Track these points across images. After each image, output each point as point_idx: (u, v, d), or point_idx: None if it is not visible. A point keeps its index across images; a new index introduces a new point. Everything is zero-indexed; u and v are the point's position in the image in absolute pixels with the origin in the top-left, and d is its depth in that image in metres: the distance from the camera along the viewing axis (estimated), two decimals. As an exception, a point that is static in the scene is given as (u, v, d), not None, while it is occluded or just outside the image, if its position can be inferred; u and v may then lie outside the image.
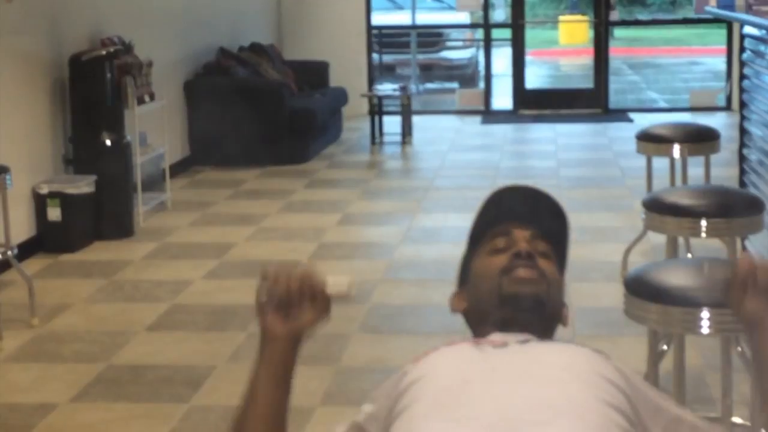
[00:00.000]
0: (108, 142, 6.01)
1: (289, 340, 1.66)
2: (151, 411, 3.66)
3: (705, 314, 2.50)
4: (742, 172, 5.46)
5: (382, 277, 5.22)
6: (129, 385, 3.90)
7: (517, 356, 1.66)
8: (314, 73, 9.74)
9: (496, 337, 1.73)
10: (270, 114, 8.26)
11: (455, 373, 1.64)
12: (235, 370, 3.96)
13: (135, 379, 3.95)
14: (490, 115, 10.79)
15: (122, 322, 4.62)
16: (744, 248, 5.08)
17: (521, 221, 1.82)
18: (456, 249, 5.64)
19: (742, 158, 5.49)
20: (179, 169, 7.83)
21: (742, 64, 5.51)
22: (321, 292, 1.67)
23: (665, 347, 3.13)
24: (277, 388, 1.66)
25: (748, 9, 5.55)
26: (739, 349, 3.07)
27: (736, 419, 3.12)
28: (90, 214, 5.86)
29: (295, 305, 1.66)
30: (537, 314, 1.75)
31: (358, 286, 5.07)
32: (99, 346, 4.30)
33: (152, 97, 6.69)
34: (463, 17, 12.80)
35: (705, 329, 2.52)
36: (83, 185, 5.81)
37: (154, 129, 6.93)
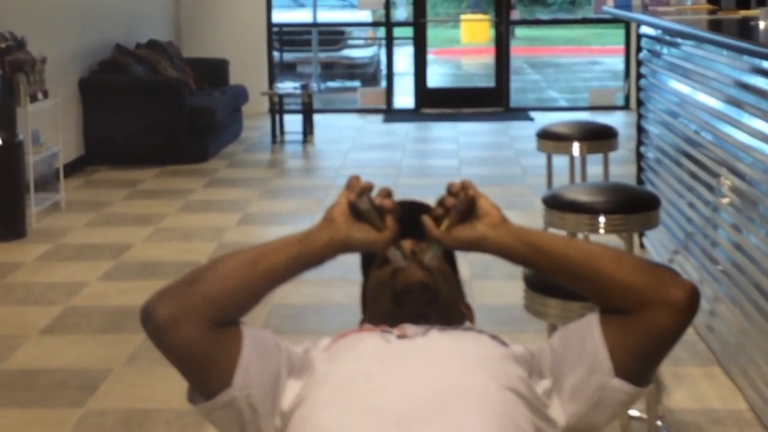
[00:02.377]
0: (-1, 141, 5.83)
1: (339, 240, 1.66)
2: (44, 416, 3.55)
3: (604, 309, 2.53)
4: (640, 169, 5.55)
5: (283, 276, 5.15)
6: (21, 391, 3.78)
7: (419, 346, 1.68)
8: (214, 71, 9.63)
9: (401, 328, 1.75)
10: (168, 112, 8.13)
11: (358, 363, 1.65)
12: (131, 373, 3.86)
13: (28, 384, 3.83)
14: (392, 114, 10.80)
15: (14, 326, 4.48)
16: (642, 245, 5.16)
17: (406, 234, 1.83)
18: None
19: (639, 156, 5.58)
20: (74, 168, 7.66)
21: (639, 63, 5.59)
22: (396, 234, 1.67)
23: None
24: (288, 263, 1.64)
25: (645, 9, 5.64)
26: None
27: (633, 412, 3.16)
28: (-20, 215, 5.68)
29: (365, 222, 1.66)
30: (430, 303, 1.79)
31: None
32: (-11, 351, 4.16)
33: (46, 94, 6.52)
34: (365, 15, 12.79)
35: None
36: (-27, 185, 5.63)
37: (48, 127, 6.76)
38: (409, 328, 1.74)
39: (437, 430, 1.49)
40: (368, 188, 1.68)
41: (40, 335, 4.36)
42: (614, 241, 4.84)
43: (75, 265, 5.40)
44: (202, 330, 1.58)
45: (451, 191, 1.70)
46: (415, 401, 1.54)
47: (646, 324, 1.61)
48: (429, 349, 1.67)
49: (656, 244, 5.01)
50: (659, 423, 2.79)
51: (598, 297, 1.65)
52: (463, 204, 1.68)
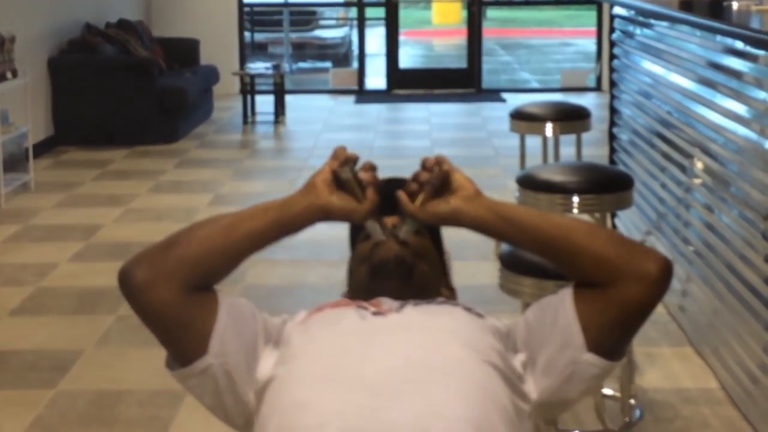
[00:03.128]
0: (-33, 120, 5.76)
1: (317, 206, 1.66)
2: (15, 398, 3.52)
3: (578, 288, 2.53)
4: (612, 150, 5.56)
5: (255, 257, 5.09)
6: (-9, 372, 3.74)
7: (396, 320, 1.68)
8: (184, 51, 9.56)
9: (377, 302, 1.75)
10: (138, 92, 8.07)
11: (335, 337, 1.65)
12: (103, 354, 3.83)
13: (-3, 366, 3.80)
14: (363, 95, 10.77)
15: (-17, 307, 4.44)
16: (614, 225, 5.17)
17: (389, 210, 1.82)
18: (330, 229, 5.59)
19: (612, 137, 5.59)
20: (43, 149, 7.58)
21: (612, 44, 5.59)
22: (375, 205, 1.67)
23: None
24: (265, 229, 1.65)
25: (617, -11, 5.63)
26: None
27: (606, 391, 3.17)
28: (-52, 195, 5.61)
29: (346, 192, 1.66)
30: (405, 278, 1.79)
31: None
32: (-42, 333, 4.12)
33: (14, 73, 6.44)
34: (337, -4, 12.73)
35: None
36: (-60, 165, 5.56)
37: (17, 107, 6.68)
38: (385, 303, 1.74)
39: (413, 402, 1.49)
40: (352, 159, 1.68)
41: (10, 316, 4.32)
42: (587, 220, 4.86)
43: (45, 246, 5.35)
44: (177, 293, 1.58)
45: (425, 166, 1.70)
46: (390, 374, 1.54)
47: (618, 297, 1.60)
48: (404, 325, 1.67)
49: (629, 225, 5.03)
50: (632, 402, 2.80)
51: (572, 269, 1.65)
52: (437, 179, 1.67)
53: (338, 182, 1.67)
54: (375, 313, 1.70)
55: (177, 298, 1.58)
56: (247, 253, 1.66)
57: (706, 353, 3.67)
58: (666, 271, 1.62)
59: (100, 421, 3.32)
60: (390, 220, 1.84)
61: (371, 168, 1.69)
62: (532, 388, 1.66)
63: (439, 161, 1.69)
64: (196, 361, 1.61)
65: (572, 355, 1.62)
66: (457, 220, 1.67)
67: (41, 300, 4.51)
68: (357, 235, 1.94)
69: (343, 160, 1.67)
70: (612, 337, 1.63)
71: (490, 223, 1.67)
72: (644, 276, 1.59)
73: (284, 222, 1.66)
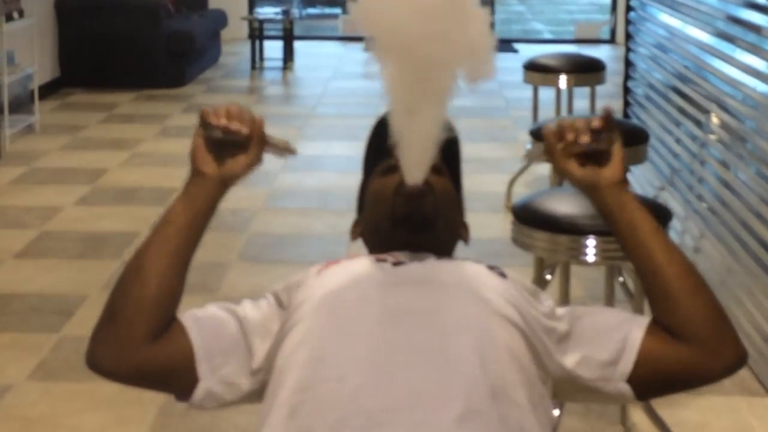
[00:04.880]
0: (-28, 60, 5.69)
1: (216, 181, 1.59)
2: (19, 341, 3.49)
3: (591, 242, 2.51)
4: (626, 104, 5.49)
5: (262, 205, 5.10)
6: (-5, 315, 3.71)
7: (415, 274, 1.62)
8: (193, -5, 9.45)
9: (396, 255, 1.68)
10: (146, 35, 7.98)
11: (353, 290, 1.59)
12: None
13: (2, 308, 3.76)
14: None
15: (-13, 249, 4.40)
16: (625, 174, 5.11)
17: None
18: (338, 177, 5.57)
19: (626, 91, 5.51)
20: (49, 90, 7.52)
21: (628, -5, 5.49)
22: (260, 134, 1.59)
23: (549, 276, 3.12)
24: (189, 227, 1.57)
25: (635, -61, 5.53)
26: (621, 279, 3.07)
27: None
28: (-47, 136, 5.57)
29: (229, 148, 1.58)
30: (429, 232, 1.72)
31: (240, 213, 4.90)
32: (-38, 274, 4.09)
33: (21, 13, 6.36)
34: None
35: (591, 257, 2.53)
36: (-55, 105, 5.51)
37: (23, 48, 6.61)
38: (404, 256, 1.68)
39: (433, 359, 1.45)
40: (205, 114, 1.58)
41: (15, 259, 4.28)
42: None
43: (50, 189, 5.31)
44: (146, 351, 1.52)
45: (594, 127, 1.57)
46: (412, 330, 1.49)
47: (685, 359, 1.55)
48: (425, 278, 1.61)
49: (641, 181, 4.97)
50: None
51: (657, 307, 1.58)
52: (603, 143, 1.56)
53: (215, 145, 1.58)
54: (395, 264, 1.65)
55: (147, 354, 1.52)
56: (186, 264, 1.58)
57: (717, 311, 3.62)
58: (741, 365, 1.58)
59: (104, 366, 3.29)
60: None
61: (228, 114, 1.58)
62: (560, 363, 1.60)
63: (610, 124, 1.58)
64: (195, 391, 1.57)
65: (610, 375, 1.58)
66: (590, 192, 1.60)
67: (46, 243, 4.48)
68: (372, 157, 1.84)
69: (204, 121, 1.58)
70: (656, 385, 1.60)
71: (615, 217, 1.59)
72: (719, 358, 1.55)
73: (199, 218, 1.58)
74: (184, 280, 1.57)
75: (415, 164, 1.67)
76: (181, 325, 1.57)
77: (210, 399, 1.58)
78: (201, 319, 1.60)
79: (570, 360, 1.59)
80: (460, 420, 1.38)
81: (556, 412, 2.62)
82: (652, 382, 1.58)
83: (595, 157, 1.59)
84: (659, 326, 1.58)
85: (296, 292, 1.64)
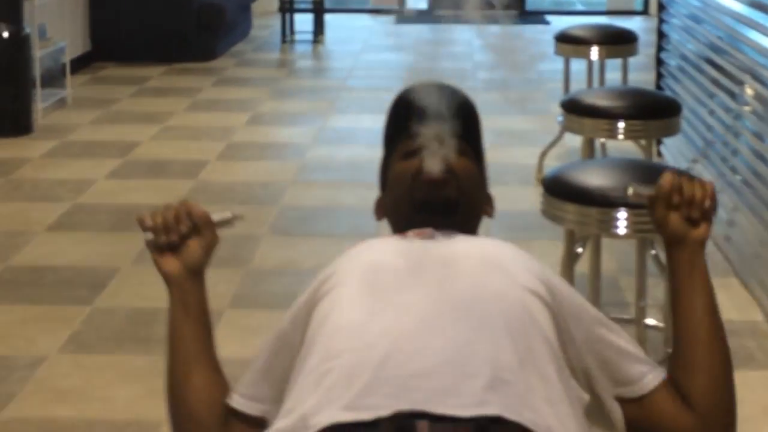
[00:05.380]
0: (5, 34, 5.70)
1: (189, 275, 1.64)
2: (51, 313, 3.52)
3: (622, 214, 2.49)
4: (659, 76, 5.43)
5: (293, 178, 5.10)
6: (28, 287, 3.74)
7: (443, 247, 1.62)
8: (223, -32, 9.43)
9: (421, 232, 1.68)
10: (177, 8, 7.97)
11: (382, 259, 1.60)
12: (139, 272, 3.82)
13: (35, 281, 3.79)
14: (404, 15, 10.61)
15: (21, 222, 4.43)
16: (659, 152, 5.07)
17: (430, 120, 1.75)
18: (369, 151, 5.54)
19: (659, 62, 5.45)
20: (80, 64, 7.54)
21: (661, -35, 5.42)
22: (203, 219, 1.65)
23: (580, 250, 3.11)
24: (196, 329, 1.65)
25: None
26: (653, 252, 3.05)
27: (649, 321, 3.11)
28: (-15, 110, 5.59)
29: (181, 240, 1.64)
30: (451, 216, 1.72)
31: (272, 186, 4.90)
32: (-4, 247, 4.12)
33: (52, -13, 6.38)
34: None
35: (622, 230, 2.52)
36: (-22, 79, 5.53)
37: (54, 22, 6.64)
38: (431, 233, 1.68)
39: (461, 329, 1.45)
40: (142, 221, 1.66)
41: (47, 232, 4.31)
42: (632, 147, 4.77)
43: (82, 162, 5.33)
44: None
45: (696, 198, 1.63)
46: (440, 300, 1.50)
47: (683, 424, 1.58)
48: (453, 251, 1.61)
49: (674, 152, 4.92)
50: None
51: (678, 367, 1.60)
52: (705, 211, 1.63)
53: (163, 247, 1.64)
54: (422, 240, 1.65)
55: None
56: (213, 347, 1.66)
57: (751, 285, 3.60)
58: None
59: (136, 338, 3.31)
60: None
61: (143, 220, 1.66)
62: (580, 352, 1.60)
63: (713, 199, 1.64)
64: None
65: (610, 392, 1.59)
66: (674, 244, 1.64)
67: (78, 216, 4.50)
68: (391, 134, 1.83)
69: (142, 227, 1.65)
70: (642, 427, 1.60)
71: (682, 274, 1.63)
72: (713, 430, 1.58)
73: (194, 308, 1.65)
74: (220, 371, 1.65)
75: (435, 155, 1.69)
76: (254, 417, 1.61)
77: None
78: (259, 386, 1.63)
79: (590, 359, 1.59)
80: (487, 388, 1.38)
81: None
82: (640, 423, 1.59)
83: (691, 220, 1.64)
84: (674, 387, 1.60)
85: (325, 273, 1.63)
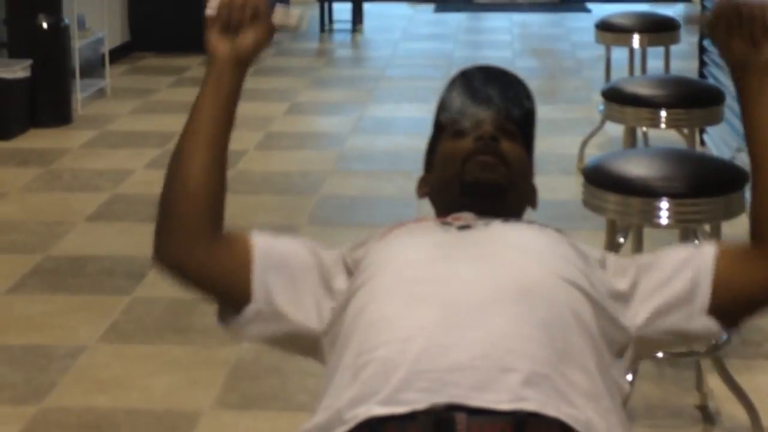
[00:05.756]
0: (45, 25, 5.73)
1: (233, 62, 1.62)
2: (91, 303, 3.53)
3: (664, 204, 2.45)
4: (702, 64, 5.35)
5: (332, 168, 5.08)
6: (68, 277, 3.75)
7: (481, 236, 1.59)
8: (262, -43, 9.42)
9: (461, 217, 1.65)
10: (216, -2, 7.97)
11: (418, 251, 1.57)
12: (178, 262, 3.81)
13: (74, 271, 3.80)
14: (443, 4, 10.56)
15: (60, 212, 4.45)
16: (702, 141, 5.00)
17: (486, 102, 1.74)
18: (408, 140, 5.51)
19: (702, 50, 5.37)
20: (119, 54, 7.57)
21: (704, -50, 5.34)
22: (264, 13, 1.63)
23: (622, 240, 3.07)
24: (219, 114, 1.61)
25: None
26: (696, 242, 3.00)
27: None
28: (26, 101, 5.62)
29: (239, 24, 1.62)
30: (499, 201, 1.69)
31: (310, 176, 4.86)
32: (36, 237, 4.13)
33: (91, -22, 6.40)
34: None
35: (664, 220, 2.48)
36: (18, 69, 5.56)
37: (94, 12, 6.66)
38: (470, 218, 1.65)
39: (498, 322, 1.42)
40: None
41: (87, 222, 4.33)
42: (674, 136, 4.71)
43: (121, 153, 5.35)
44: (207, 246, 1.56)
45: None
46: (476, 293, 1.47)
47: (761, 272, 1.53)
48: (490, 240, 1.58)
49: (718, 142, 4.85)
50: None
51: (757, 202, 1.56)
52: (762, 24, 1.57)
53: (223, 25, 1.62)
54: (460, 228, 1.62)
55: (209, 251, 1.56)
56: (227, 145, 1.61)
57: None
58: None
59: (175, 329, 3.31)
60: (485, 114, 1.72)
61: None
62: (634, 322, 1.56)
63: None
64: (244, 310, 1.58)
65: (689, 312, 1.55)
66: (739, 70, 1.60)
67: (117, 206, 4.52)
68: (445, 114, 1.80)
69: (207, 8, 1.63)
70: (737, 308, 1.55)
71: (753, 100, 1.58)
72: None
73: (223, 95, 1.62)
74: (225, 168, 1.60)
75: (487, 136, 1.68)
76: (248, 246, 1.58)
77: (258, 324, 1.58)
78: (274, 247, 1.60)
79: (642, 315, 1.56)
80: (525, 383, 1.35)
81: (629, 377, 2.58)
82: (733, 306, 1.54)
83: (753, 41, 1.58)
84: (729, 250, 1.55)
85: (360, 256, 1.62)
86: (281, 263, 1.59)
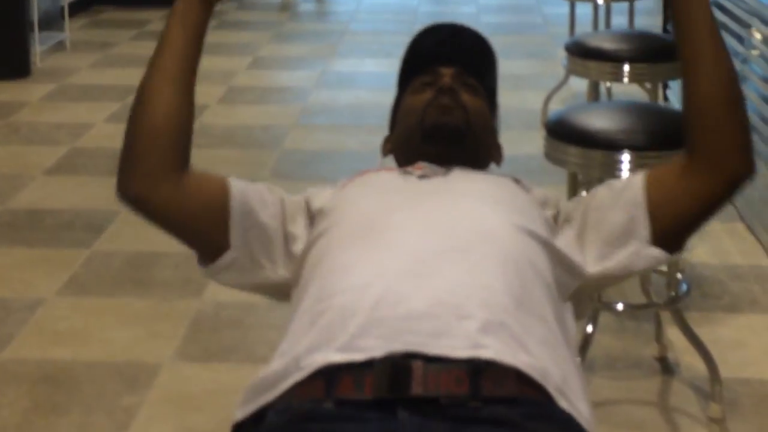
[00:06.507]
0: (2, -25, 5.63)
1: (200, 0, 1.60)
2: (50, 256, 3.49)
3: (626, 157, 2.45)
4: (666, 20, 5.35)
5: (295, 122, 5.05)
6: (26, 230, 3.71)
7: (440, 185, 1.60)
8: None
9: (422, 166, 1.66)
10: (177, -49, 7.86)
11: (378, 200, 1.58)
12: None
13: (33, 224, 3.76)
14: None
15: (18, 166, 4.39)
16: (665, 97, 5.01)
17: (447, 59, 1.75)
18: (372, 95, 5.48)
19: (666, 6, 5.36)
20: (79, 7, 7.45)
21: None
22: None
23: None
24: (187, 48, 1.59)
25: None
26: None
27: (654, 267, 3.08)
28: (-17, 53, 5.53)
29: None
30: (459, 146, 1.70)
31: (273, 130, 4.84)
32: (-7, 190, 4.09)
33: (50, -72, 6.29)
34: None
35: (625, 173, 2.48)
36: (-25, 21, 5.46)
37: (53, -38, 6.54)
38: (430, 168, 1.64)
39: (456, 270, 1.42)
40: None
41: (45, 175, 4.27)
42: (638, 91, 4.71)
43: (80, 106, 5.28)
44: (175, 183, 1.54)
45: None
46: (435, 240, 1.47)
47: (691, 187, 1.52)
48: (450, 189, 1.59)
49: (680, 97, 4.86)
50: (679, 276, 2.71)
51: (687, 108, 1.54)
52: None
53: None
54: (420, 177, 1.62)
55: (177, 187, 1.54)
56: (193, 82, 1.59)
57: (758, 230, 3.56)
58: (747, 177, 1.54)
59: (135, 281, 3.29)
60: (446, 70, 1.72)
61: None
62: (584, 264, 1.57)
63: None
64: (222, 256, 1.56)
65: (635, 246, 1.54)
66: None
67: (76, 160, 4.46)
68: (407, 73, 1.81)
69: None
70: (676, 228, 1.55)
71: (679, 8, 1.53)
72: (726, 169, 1.51)
73: (191, 22, 1.60)
74: (191, 104, 1.58)
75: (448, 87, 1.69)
76: (223, 189, 1.56)
77: (233, 271, 1.57)
78: (247, 191, 1.58)
79: (591, 257, 1.56)
80: (482, 330, 1.34)
81: (589, 329, 2.59)
82: (673, 227, 1.54)
83: None
84: (654, 175, 1.55)
85: (322, 204, 1.62)
86: (255, 210, 1.58)
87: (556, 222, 1.61)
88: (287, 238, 1.60)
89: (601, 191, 1.60)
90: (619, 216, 1.55)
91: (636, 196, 1.54)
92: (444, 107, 1.68)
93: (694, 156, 1.52)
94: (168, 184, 1.53)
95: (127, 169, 1.54)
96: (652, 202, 1.53)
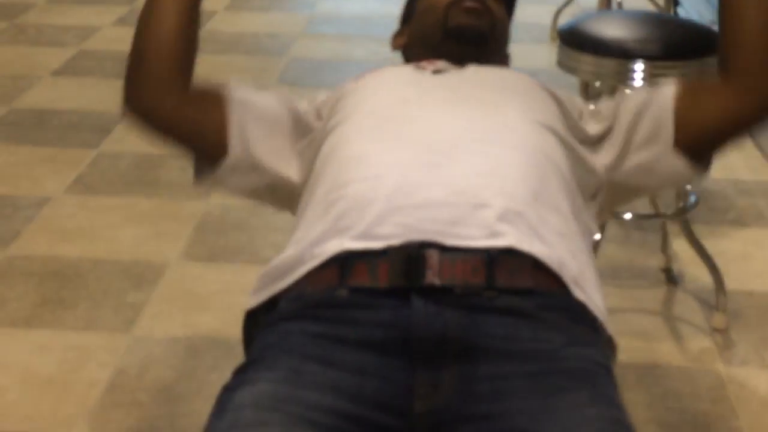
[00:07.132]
0: None
1: None
2: (57, 155, 3.48)
3: (639, 66, 2.43)
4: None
5: (302, 30, 5.00)
6: (34, 129, 3.70)
7: (455, 79, 1.59)
8: None
9: (436, 63, 1.65)
10: None
11: (393, 92, 1.56)
12: (145, 118, 3.77)
13: (40, 124, 3.75)
14: None
15: (25, 66, 4.36)
16: (676, 12, 4.95)
17: None
18: (380, 4, 5.40)
19: None
20: None
21: None
22: None
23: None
24: None
25: None
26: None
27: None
28: (-11, -48, 5.46)
29: None
30: (479, 50, 1.68)
31: (280, 37, 4.81)
32: (0, 90, 4.05)
33: None
34: None
35: (638, 81, 2.45)
36: None
37: None
38: (444, 64, 1.63)
39: (474, 161, 1.41)
40: None
41: (52, 76, 4.25)
42: (648, 6, 4.66)
43: (87, 8, 5.23)
44: (179, 95, 1.54)
45: None
46: (451, 132, 1.46)
47: (722, 105, 1.50)
48: (467, 81, 1.58)
49: (692, 14, 4.81)
50: (688, 188, 2.71)
51: (725, 31, 1.51)
52: None
53: None
54: (435, 72, 1.61)
55: (181, 99, 1.54)
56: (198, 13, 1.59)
57: (766, 147, 3.55)
58: None
59: (142, 182, 3.28)
60: None
61: None
62: (603, 164, 1.56)
63: None
64: (222, 161, 1.57)
65: (657, 150, 1.54)
66: None
67: (83, 62, 4.43)
68: None
69: None
70: (700, 142, 1.54)
71: None
72: (760, 93, 1.49)
73: None
74: (197, 16, 1.58)
75: None
76: (222, 98, 1.56)
77: (235, 176, 1.58)
78: (248, 98, 1.59)
79: (610, 156, 1.57)
80: (500, 218, 1.34)
81: (597, 236, 2.59)
82: (700, 141, 1.53)
83: None
84: (686, 88, 1.54)
85: (335, 99, 1.61)
86: (258, 114, 1.58)
87: (581, 119, 1.60)
88: (295, 135, 1.60)
89: (633, 95, 1.59)
90: (647, 120, 1.55)
91: (666, 102, 1.53)
92: (471, 9, 1.66)
93: (729, 76, 1.51)
94: (173, 97, 1.54)
95: (134, 83, 1.55)
96: (680, 110, 1.52)
